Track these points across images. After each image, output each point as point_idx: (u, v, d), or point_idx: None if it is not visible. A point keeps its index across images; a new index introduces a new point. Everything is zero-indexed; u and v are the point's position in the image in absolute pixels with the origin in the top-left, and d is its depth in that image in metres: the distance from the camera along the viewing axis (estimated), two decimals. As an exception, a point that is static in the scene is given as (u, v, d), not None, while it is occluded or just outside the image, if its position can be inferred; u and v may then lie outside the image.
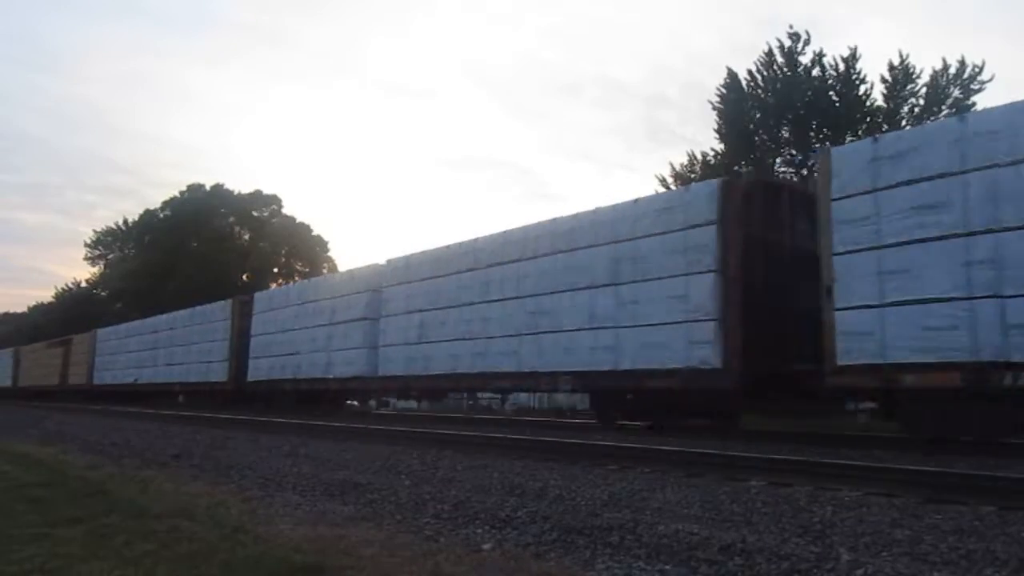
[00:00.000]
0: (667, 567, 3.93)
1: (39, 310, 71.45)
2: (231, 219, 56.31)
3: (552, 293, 13.77)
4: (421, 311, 17.28)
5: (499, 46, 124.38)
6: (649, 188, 33.25)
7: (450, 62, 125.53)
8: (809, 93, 23.37)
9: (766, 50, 24.46)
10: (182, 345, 28.59)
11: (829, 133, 23.23)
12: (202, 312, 28.47)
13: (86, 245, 60.76)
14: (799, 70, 23.91)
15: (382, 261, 20.06)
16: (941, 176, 9.02)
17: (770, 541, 4.29)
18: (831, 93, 23.41)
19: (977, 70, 21.52)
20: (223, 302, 27.40)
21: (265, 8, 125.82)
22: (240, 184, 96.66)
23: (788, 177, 22.87)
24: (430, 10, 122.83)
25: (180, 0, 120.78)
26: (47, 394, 41.69)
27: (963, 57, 21.73)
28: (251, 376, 24.02)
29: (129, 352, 33.55)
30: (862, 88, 23.25)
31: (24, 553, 4.31)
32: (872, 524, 4.71)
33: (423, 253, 17.99)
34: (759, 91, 24.73)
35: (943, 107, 21.82)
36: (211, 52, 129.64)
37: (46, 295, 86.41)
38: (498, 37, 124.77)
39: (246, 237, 56.75)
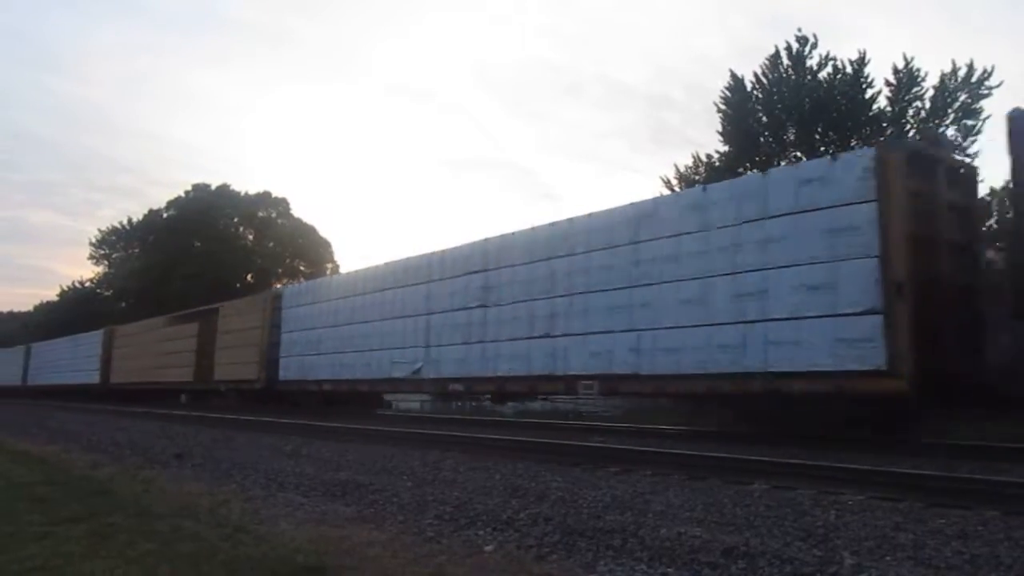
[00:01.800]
0: (669, 570, 3.92)
1: (44, 309, 71.57)
2: (235, 219, 56.41)
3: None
4: None
5: (501, 47, 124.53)
6: (652, 190, 33.22)
7: (452, 63, 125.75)
8: (819, 93, 23.31)
9: (772, 52, 24.45)
10: (607, 289, 12.86)
11: (835, 136, 23.20)
12: (723, 197, 11.38)
13: (91, 244, 60.85)
14: (806, 73, 23.88)
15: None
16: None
17: (773, 545, 4.27)
18: (838, 96, 23.37)
19: (986, 74, 21.43)
20: (848, 156, 10.44)
21: (267, 8, 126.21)
22: (245, 184, 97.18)
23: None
24: (432, 11, 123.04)
25: (183, 0, 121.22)
26: (163, 394, 30.13)
27: (972, 61, 21.65)
28: None
29: (385, 319, 18.39)
30: (869, 92, 23.20)
31: (27, 552, 4.32)
32: (876, 528, 4.70)
33: None
34: (764, 93, 24.71)
35: (950, 111, 21.74)
36: (214, 52, 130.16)
37: (50, 294, 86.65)
38: (500, 38, 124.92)
39: (250, 237, 56.84)
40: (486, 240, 15.85)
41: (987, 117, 20.97)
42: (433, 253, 17.40)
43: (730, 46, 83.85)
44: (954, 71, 21.77)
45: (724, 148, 25.76)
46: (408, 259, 18.29)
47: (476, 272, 15.87)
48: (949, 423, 11.92)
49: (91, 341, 37.50)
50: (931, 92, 22.25)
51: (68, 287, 67.41)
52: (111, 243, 60.02)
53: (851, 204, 9.86)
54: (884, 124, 22.84)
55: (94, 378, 35.66)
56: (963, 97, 21.74)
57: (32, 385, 45.10)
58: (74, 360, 39.07)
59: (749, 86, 24.93)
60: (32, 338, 53.58)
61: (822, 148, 22.50)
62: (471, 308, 15.87)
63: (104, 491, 6.75)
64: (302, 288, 23.73)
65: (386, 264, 19.17)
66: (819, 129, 23.75)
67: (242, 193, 56.65)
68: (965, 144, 21.10)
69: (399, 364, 17.71)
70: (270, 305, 23.58)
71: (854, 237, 9.75)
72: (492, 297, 15.46)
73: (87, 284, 64.51)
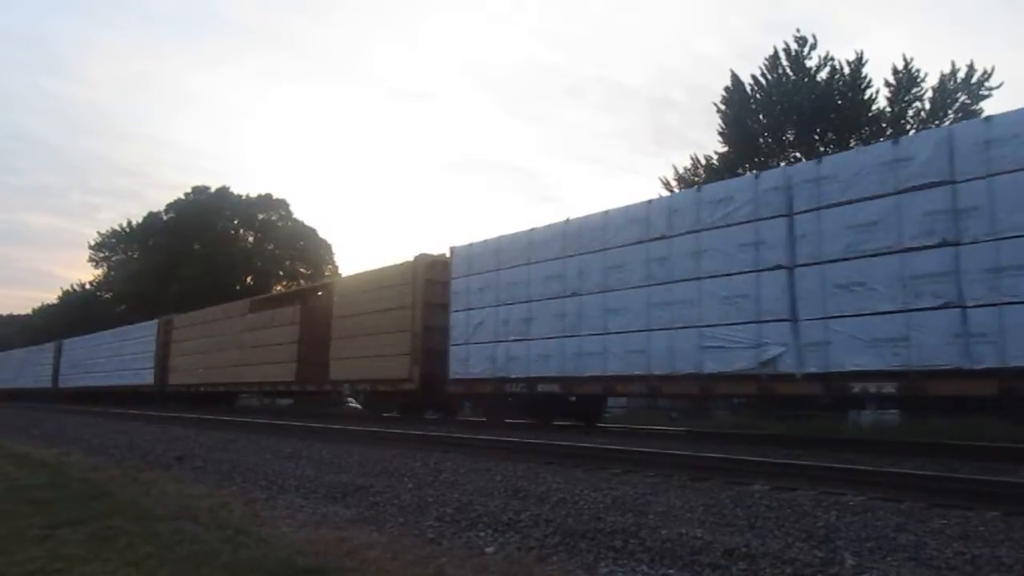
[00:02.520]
0: (670, 571, 3.91)
1: (43, 312, 71.56)
2: (235, 222, 56.44)
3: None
4: None
5: (501, 49, 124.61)
6: (653, 191, 33.27)
7: (452, 65, 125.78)
8: (816, 94, 23.36)
9: (771, 53, 24.49)
10: None
11: (834, 137, 23.24)
12: None
13: (90, 247, 60.87)
14: (805, 73, 23.92)
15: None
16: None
17: (774, 546, 4.27)
18: (836, 96, 23.41)
19: (986, 75, 21.46)
20: None
21: (267, 10, 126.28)
22: (244, 186, 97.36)
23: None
24: (432, 12, 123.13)
25: (183, 2, 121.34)
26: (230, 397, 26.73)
27: (972, 61, 21.70)
28: None
29: (675, 281, 12.00)
30: (867, 92, 23.24)
31: (27, 554, 4.31)
32: (877, 529, 4.69)
33: None
34: (764, 94, 24.73)
35: (949, 112, 21.77)
36: (214, 54, 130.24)
37: (50, 297, 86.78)
38: (500, 40, 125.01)
39: (250, 240, 56.87)
40: (949, 130, 10.00)
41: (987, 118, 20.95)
42: (788, 168, 11.40)
43: (730, 47, 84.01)
44: (953, 72, 21.83)
45: (723, 149, 25.80)
46: (728, 184, 12.32)
47: (926, 187, 9.33)
48: (949, 423, 11.94)
49: (142, 335, 31.68)
50: (930, 93, 22.30)
51: (68, 290, 67.48)
52: (110, 246, 60.04)
53: None
54: (883, 124, 22.87)
55: (146, 379, 30.18)
56: (962, 98, 21.78)
57: (65, 388, 39.77)
58: (119, 358, 33.26)
59: (748, 87, 24.97)
60: (29, 342, 53.00)
61: (821, 148, 22.54)
62: (926, 248, 9.24)
63: (104, 494, 6.74)
64: (488, 247, 15.90)
65: (669, 198, 13.29)
66: (818, 130, 23.79)
67: (242, 195, 56.73)
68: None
69: (721, 351, 11.10)
70: (423, 274, 17.42)
71: None
72: (975, 227, 8.90)
73: (87, 287, 64.53)
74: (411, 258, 18.08)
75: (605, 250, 13.21)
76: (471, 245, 16.41)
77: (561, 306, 13.81)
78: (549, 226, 14.61)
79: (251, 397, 27.45)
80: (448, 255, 17.04)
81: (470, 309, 15.91)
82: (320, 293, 22.91)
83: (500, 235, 15.84)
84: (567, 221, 14.25)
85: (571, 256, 13.85)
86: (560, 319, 13.78)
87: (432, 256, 17.94)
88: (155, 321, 31.47)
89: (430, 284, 17.41)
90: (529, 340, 14.34)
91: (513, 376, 14.59)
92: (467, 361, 15.74)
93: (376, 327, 18.34)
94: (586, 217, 13.95)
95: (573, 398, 14.10)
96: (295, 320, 21.82)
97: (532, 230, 14.99)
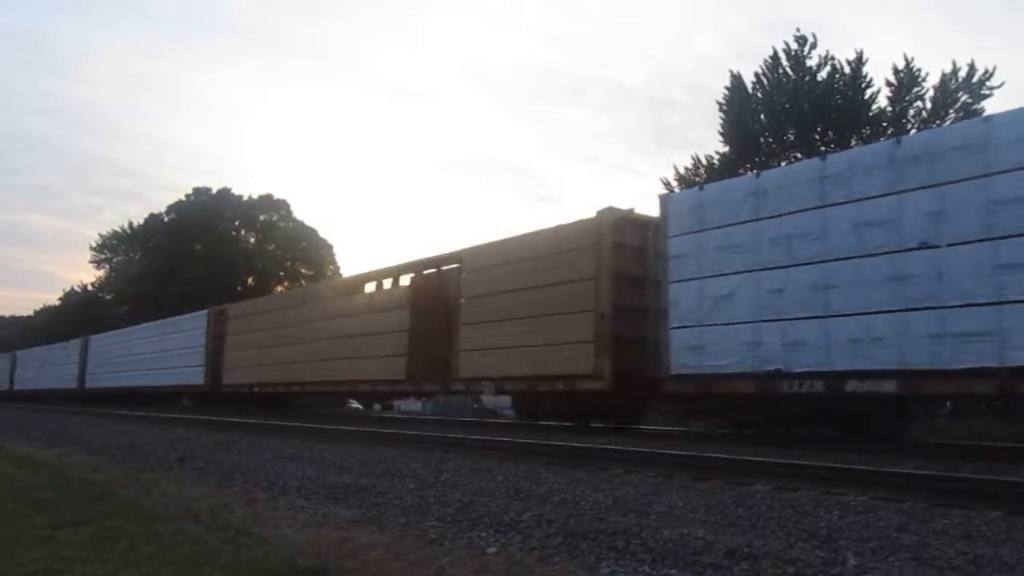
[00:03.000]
0: (672, 571, 3.91)
1: (44, 313, 71.64)
2: (236, 223, 56.49)
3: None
4: None
5: (501, 49, 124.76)
6: (653, 191, 33.24)
7: (452, 65, 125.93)
8: (817, 93, 23.36)
9: (771, 53, 24.50)
10: None
11: (835, 136, 23.23)
12: None
13: (91, 248, 60.91)
14: (805, 73, 23.92)
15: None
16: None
17: (776, 546, 4.27)
18: (837, 96, 23.41)
19: (987, 75, 21.44)
20: None
21: (267, 10, 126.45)
22: (246, 187, 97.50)
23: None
24: (432, 12, 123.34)
25: (183, 2, 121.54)
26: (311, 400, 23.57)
27: (972, 61, 21.68)
28: None
29: None
30: (868, 92, 23.24)
31: (29, 555, 4.32)
32: (879, 529, 4.69)
33: None
34: (764, 94, 24.74)
35: (951, 111, 21.76)
36: (214, 54, 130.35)
37: (51, 298, 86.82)
38: (500, 40, 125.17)
39: (251, 241, 56.91)
40: None
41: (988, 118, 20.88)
42: None
43: (730, 47, 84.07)
44: (955, 71, 21.81)
45: (724, 149, 25.81)
46: None
47: None
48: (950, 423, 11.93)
49: (188, 329, 27.86)
50: (931, 92, 22.29)
51: (69, 291, 67.56)
52: (112, 247, 60.09)
53: None
54: (884, 124, 22.86)
55: (195, 378, 26.56)
56: (964, 97, 21.76)
57: (93, 388, 35.79)
58: (159, 355, 29.34)
59: (749, 87, 24.98)
60: (30, 343, 52.93)
61: (822, 148, 22.52)
62: None
63: (106, 494, 6.75)
64: (737, 189, 11.76)
65: None
66: (819, 129, 23.80)
67: (243, 196, 56.78)
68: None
69: None
70: (610, 236, 13.18)
71: None
72: None
73: (88, 288, 64.60)
74: (593, 214, 13.77)
75: (989, 175, 8.78)
76: (701, 190, 12.41)
77: (896, 264, 9.48)
78: (857, 150, 10.67)
79: (317, 400, 23.37)
80: (644, 211, 13.37)
81: (704, 277, 11.59)
82: (432, 269, 17.84)
83: (752, 174, 11.99)
84: (898, 140, 10.19)
85: (912, 190, 9.41)
86: (895, 284, 9.46)
87: (620, 211, 13.63)
88: (204, 312, 27.42)
89: (618, 249, 13.22)
90: (828, 317, 10.05)
91: (797, 370, 10.34)
92: (702, 350, 11.50)
93: (535, 307, 13.92)
94: (938, 130, 9.82)
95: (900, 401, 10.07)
96: (403, 303, 17.30)
97: (824, 159, 10.77)
